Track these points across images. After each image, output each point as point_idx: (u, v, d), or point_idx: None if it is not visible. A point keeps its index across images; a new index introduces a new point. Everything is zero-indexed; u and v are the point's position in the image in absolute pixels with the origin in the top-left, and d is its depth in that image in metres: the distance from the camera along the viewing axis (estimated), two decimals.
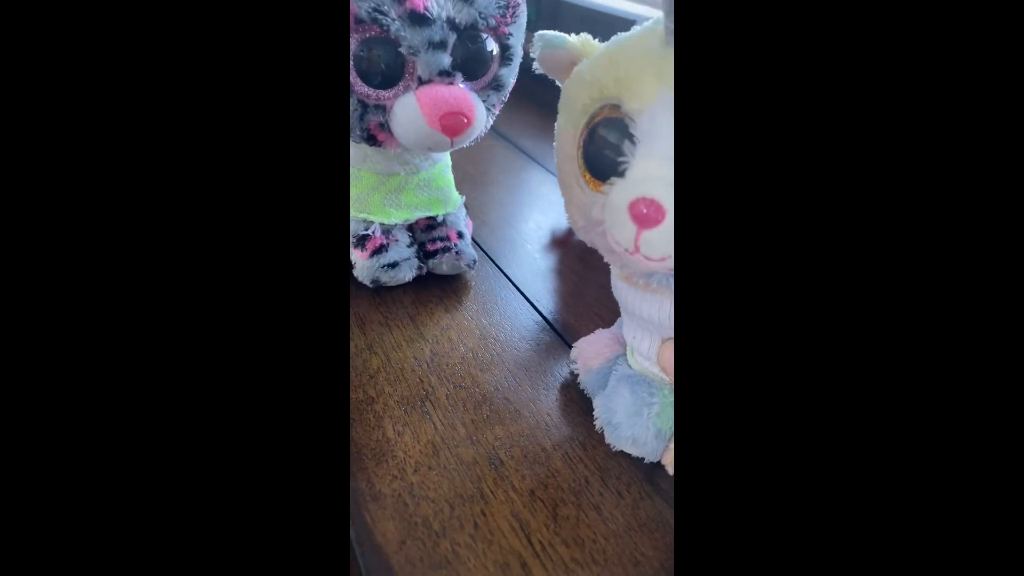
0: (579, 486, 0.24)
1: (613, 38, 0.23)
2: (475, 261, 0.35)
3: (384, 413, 0.26)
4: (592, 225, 0.22)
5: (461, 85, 0.27)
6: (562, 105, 0.24)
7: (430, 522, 0.22)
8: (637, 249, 0.19)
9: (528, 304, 0.35)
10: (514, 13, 0.27)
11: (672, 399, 0.25)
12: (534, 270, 0.39)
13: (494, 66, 0.28)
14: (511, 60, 0.29)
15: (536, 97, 0.70)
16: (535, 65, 0.25)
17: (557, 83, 0.25)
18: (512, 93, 0.31)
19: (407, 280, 0.33)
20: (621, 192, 0.19)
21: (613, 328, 0.30)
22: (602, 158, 0.21)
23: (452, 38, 0.26)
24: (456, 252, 0.34)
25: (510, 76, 0.29)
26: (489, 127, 0.31)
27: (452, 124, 0.27)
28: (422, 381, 0.28)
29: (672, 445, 0.24)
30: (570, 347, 0.32)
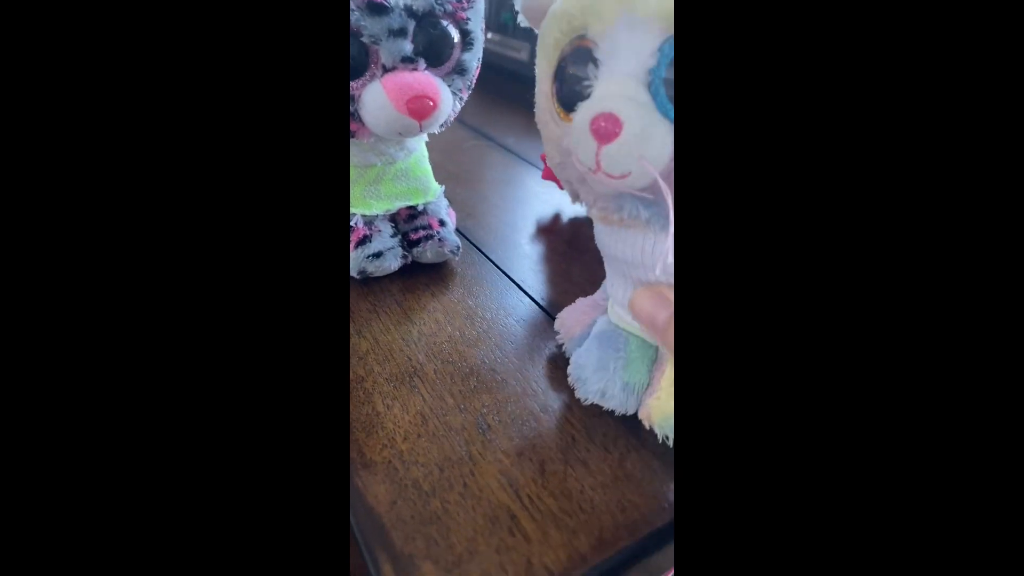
0: (566, 444, 0.25)
1: None
2: (459, 247, 0.36)
3: (374, 389, 0.27)
4: (565, 156, 0.23)
5: (424, 71, 0.29)
6: (539, 45, 0.25)
7: (420, 484, 0.23)
8: (599, 166, 0.20)
9: (514, 286, 0.36)
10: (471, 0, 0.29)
11: (641, 352, 0.26)
12: (520, 255, 0.39)
13: (456, 51, 0.29)
14: (472, 44, 0.30)
15: (519, 98, 0.72)
16: (519, 19, 0.26)
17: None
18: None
19: (393, 269, 0.34)
20: (584, 112, 0.20)
21: (595, 295, 0.31)
22: (571, 88, 0.22)
23: (411, 25, 0.27)
24: (439, 239, 0.35)
25: (472, 60, 0.30)
26: (457, 113, 0.32)
27: (419, 108, 0.28)
28: (410, 359, 0.29)
29: (648, 400, 0.25)
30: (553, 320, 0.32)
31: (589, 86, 0.21)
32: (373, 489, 0.22)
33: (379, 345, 0.30)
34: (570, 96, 0.22)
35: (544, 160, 0.47)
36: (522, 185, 0.51)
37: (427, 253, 0.35)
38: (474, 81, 0.32)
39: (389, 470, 0.23)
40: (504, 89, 0.75)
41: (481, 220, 0.44)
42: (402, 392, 0.27)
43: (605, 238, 0.26)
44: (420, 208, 0.36)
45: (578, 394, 0.26)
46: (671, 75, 0.19)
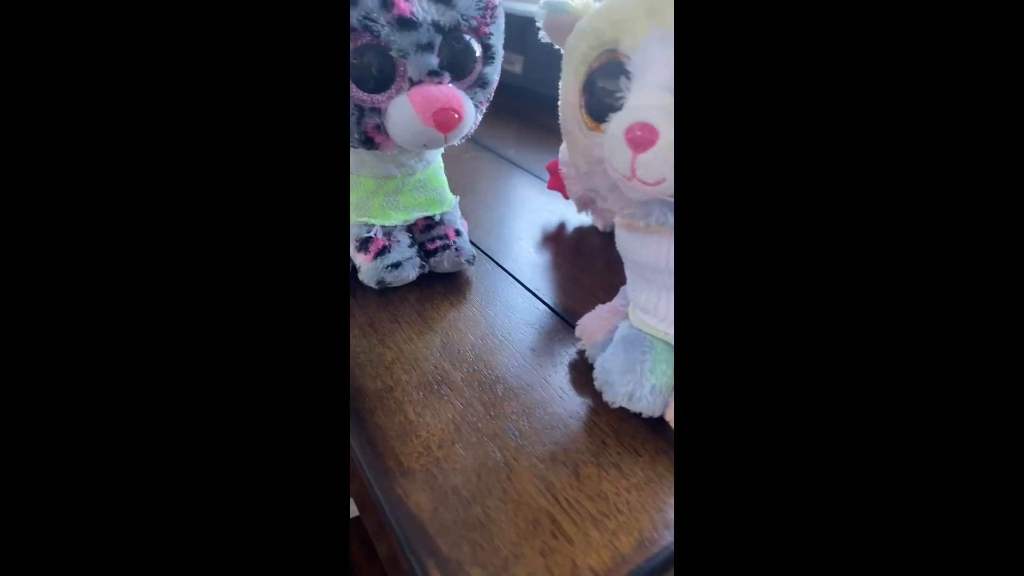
0: (597, 448, 0.25)
1: None
2: (474, 257, 0.37)
3: (404, 398, 0.27)
4: (594, 165, 0.24)
5: (449, 84, 0.29)
6: (565, 59, 0.25)
7: (460, 490, 0.23)
8: (634, 174, 0.21)
9: (529, 293, 0.36)
10: (493, 14, 0.29)
11: (666, 355, 0.27)
12: (531, 263, 0.40)
13: (478, 65, 0.30)
14: (493, 58, 0.31)
15: (516, 111, 0.73)
16: (540, 34, 0.27)
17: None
18: (495, 108, 0.33)
19: (411, 279, 0.35)
20: (618, 122, 0.21)
21: (613, 301, 0.32)
22: (601, 99, 0.23)
23: (438, 40, 0.28)
24: (456, 249, 0.36)
25: (494, 74, 0.31)
26: (477, 124, 0.33)
27: (444, 120, 0.29)
28: (436, 368, 0.29)
29: (672, 400, 0.26)
30: (573, 328, 0.33)
31: (621, 98, 0.22)
32: (414, 497, 0.23)
33: (404, 355, 0.30)
34: (600, 107, 0.23)
35: (549, 170, 0.47)
36: (526, 195, 0.52)
37: (444, 263, 0.36)
38: (492, 93, 0.33)
39: (428, 477, 0.23)
40: (498, 101, 0.76)
41: (490, 230, 0.44)
42: (432, 400, 0.27)
43: (629, 244, 0.27)
44: (437, 219, 0.36)
45: (606, 397, 0.27)
46: None
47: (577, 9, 0.26)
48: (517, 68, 0.75)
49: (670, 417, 0.26)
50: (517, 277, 0.38)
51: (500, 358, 0.30)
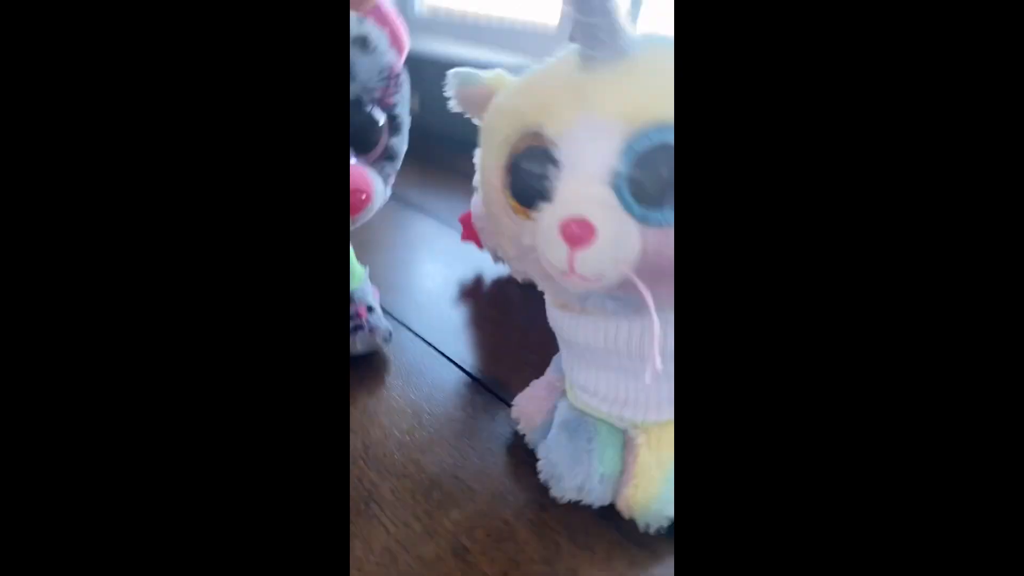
0: (550, 553, 0.23)
1: (527, 70, 0.23)
2: (390, 333, 0.34)
3: None
4: (524, 253, 0.22)
5: (353, 161, 0.26)
6: (484, 139, 0.23)
7: None
8: (572, 269, 0.19)
9: (453, 366, 0.34)
10: (397, 82, 0.27)
11: (611, 439, 0.25)
12: (450, 327, 0.37)
13: (384, 137, 0.28)
14: (400, 129, 0.29)
15: (417, 151, 0.70)
16: (450, 104, 0.25)
17: (472, 120, 0.25)
18: None
19: None
20: (550, 215, 0.19)
21: (547, 375, 0.30)
22: (528, 185, 0.21)
23: None
24: (369, 329, 0.32)
25: (401, 145, 0.29)
26: (387, 199, 0.30)
27: (351, 204, 0.26)
28: (361, 480, 0.26)
29: (625, 490, 0.24)
30: (504, 402, 0.31)
31: (549, 185, 0.20)
32: None
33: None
34: (527, 192, 0.21)
35: (463, 222, 0.45)
36: (433, 243, 0.49)
37: (357, 345, 0.32)
38: (399, 164, 0.30)
39: None
40: None
41: (403, 292, 0.41)
42: (360, 525, 0.24)
43: (563, 324, 0.25)
44: None
45: (554, 492, 0.25)
46: (635, 173, 0.19)
47: (490, 82, 0.24)
48: (414, 106, 0.72)
49: (623, 506, 0.24)
50: (437, 347, 0.35)
51: (432, 456, 0.27)
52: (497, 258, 0.44)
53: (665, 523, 0.24)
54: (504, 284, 0.44)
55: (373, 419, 0.29)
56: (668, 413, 0.25)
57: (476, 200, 0.43)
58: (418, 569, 0.22)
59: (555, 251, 0.19)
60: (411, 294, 0.41)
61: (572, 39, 0.19)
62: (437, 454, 0.27)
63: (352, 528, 0.24)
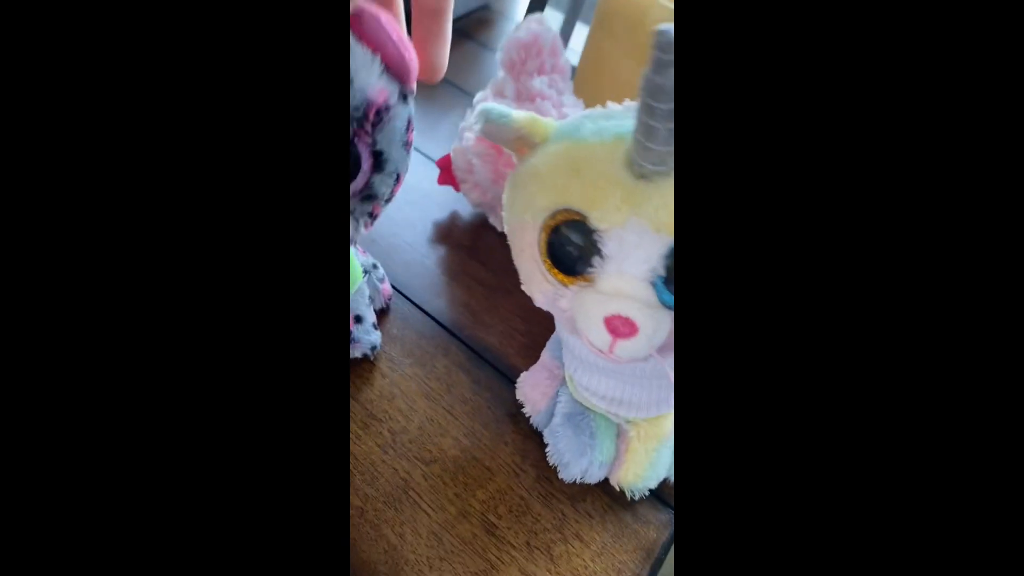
0: (559, 521, 0.30)
1: (569, 132, 0.23)
2: (374, 348, 0.34)
3: (379, 520, 0.28)
4: (558, 311, 0.25)
5: None
6: (516, 193, 0.24)
7: None
8: (611, 352, 0.23)
9: (446, 333, 0.37)
10: (380, 118, 0.23)
11: (607, 431, 0.31)
12: (437, 287, 0.39)
13: (363, 175, 0.24)
14: (383, 167, 0.25)
15: None
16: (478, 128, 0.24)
17: None
18: None
19: None
20: (595, 304, 0.22)
21: (546, 360, 0.34)
22: (569, 258, 0.23)
23: None
24: (351, 341, 0.33)
25: (383, 185, 0.25)
26: (361, 235, 0.27)
27: None
28: (396, 471, 0.30)
29: (618, 471, 0.30)
30: (505, 376, 0.35)
31: (593, 271, 0.22)
32: None
33: (358, 460, 0.30)
34: (568, 265, 0.23)
35: (440, 166, 0.44)
36: (418, 186, 0.48)
37: None
38: (392, 197, 0.27)
39: None
40: None
41: (387, 245, 0.42)
42: (405, 513, 0.28)
43: (575, 344, 0.29)
44: None
45: (562, 475, 0.30)
46: (670, 273, 0.21)
47: (522, 125, 0.24)
48: None
49: (615, 482, 0.31)
50: (432, 314, 0.38)
51: (450, 439, 0.32)
52: (479, 208, 0.45)
53: (646, 492, 0.30)
54: (481, 231, 0.45)
55: (391, 403, 0.33)
56: (655, 412, 0.30)
57: (458, 145, 0.42)
58: (460, 547, 0.28)
59: (597, 336, 0.22)
60: (395, 246, 0.42)
61: (634, 158, 0.20)
62: (454, 437, 0.32)
63: (400, 519, 0.28)
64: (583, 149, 0.22)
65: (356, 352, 0.33)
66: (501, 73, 0.42)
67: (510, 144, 0.25)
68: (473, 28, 0.70)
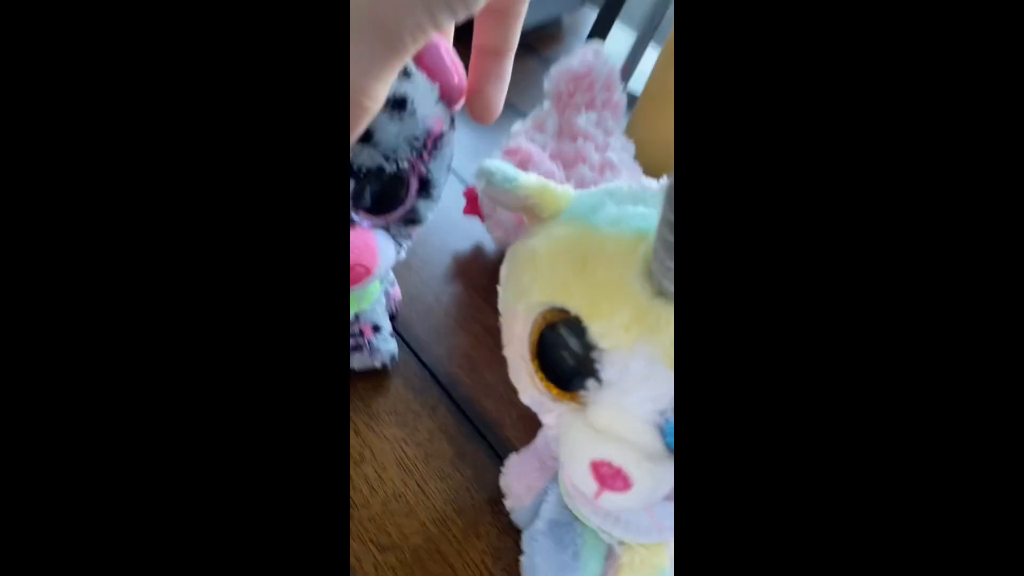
0: None
1: (584, 213, 0.18)
2: (394, 357, 0.32)
3: None
4: (542, 415, 0.20)
5: (365, 225, 0.23)
6: (511, 275, 0.20)
7: None
8: (596, 499, 0.18)
9: (444, 394, 0.33)
10: (435, 144, 0.22)
11: (595, 550, 0.26)
12: (440, 331, 0.35)
13: (408, 200, 0.23)
14: (430, 194, 0.24)
15: None
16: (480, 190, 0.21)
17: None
18: None
19: None
20: (582, 441, 0.17)
21: (543, 441, 0.29)
22: (561, 366, 0.18)
23: (350, 185, 0.21)
24: (370, 351, 0.31)
25: (427, 211, 0.25)
26: (399, 260, 0.26)
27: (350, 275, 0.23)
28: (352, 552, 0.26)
29: None
30: (494, 451, 0.31)
31: (586, 395, 0.17)
32: None
33: None
34: (559, 372, 0.18)
35: (467, 196, 0.40)
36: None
37: (353, 364, 0.31)
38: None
39: None
40: None
41: (397, 271, 0.38)
42: None
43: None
44: (352, 316, 0.30)
45: None
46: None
47: (530, 192, 0.19)
48: None
49: None
50: (432, 368, 0.34)
51: (415, 523, 0.28)
52: (501, 244, 0.41)
53: None
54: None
55: (357, 467, 0.29)
56: (656, 538, 0.25)
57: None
58: None
59: (581, 479, 0.17)
60: (401, 274, 0.38)
61: (655, 278, 0.15)
62: (419, 519, 0.28)
63: None
64: (595, 241, 0.17)
65: (375, 362, 0.31)
66: (547, 104, 0.38)
67: (515, 211, 0.21)
68: (538, 42, 0.66)
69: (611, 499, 0.17)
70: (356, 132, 0.17)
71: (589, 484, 0.17)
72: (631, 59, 0.58)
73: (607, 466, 0.17)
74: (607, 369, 0.17)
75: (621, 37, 0.65)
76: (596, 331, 0.17)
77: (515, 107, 0.54)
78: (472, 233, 0.43)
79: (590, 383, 0.17)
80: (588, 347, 0.17)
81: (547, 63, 0.63)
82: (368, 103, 0.15)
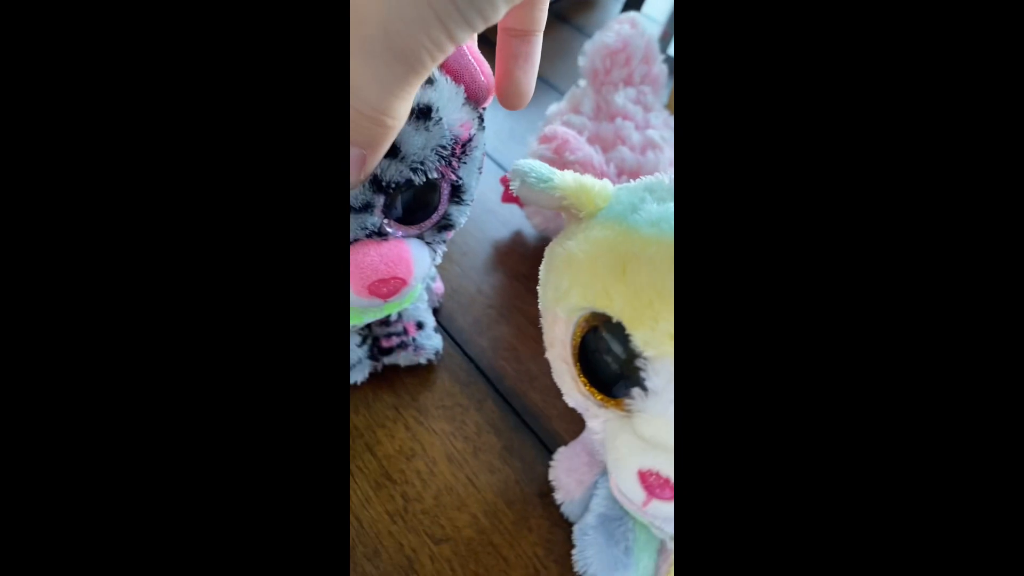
0: None
1: (622, 213, 0.18)
2: (438, 353, 0.32)
3: None
4: (587, 419, 0.20)
5: (399, 235, 0.23)
6: (549, 277, 0.19)
7: None
8: (644, 508, 0.18)
9: (490, 387, 0.33)
10: (464, 149, 0.22)
11: (647, 544, 0.25)
12: (483, 323, 0.35)
13: (441, 207, 0.23)
14: (462, 199, 0.23)
15: None
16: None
17: None
18: None
19: (357, 383, 0.31)
20: (630, 450, 0.17)
21: (586, 437, 0.29)
22: (605, 371, 0.18)
23: (379, 200, 0.21)
24: (414, 348, 0.31)
25: (461, 216, 0.24)
26: (436, 264, 0.26)
27: (384, 291, 0.23)
28: (402, 546, 0.27)
29: None
30: (542, 444, 0.31)
31: (632, 403, 0.17)
32: None
33: (364, 528, 0.27)
34: (602, 376, 0.18)
35: (504, 183, 0.40)
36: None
37: (400, 360, 0.32)
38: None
39: None
40: None
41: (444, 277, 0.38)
42: None
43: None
44: (394, 316, 0.31)
45: None
46: None
47: (567, 191, 0.19)
48: None
49: None
50: (482, 367, 0.34)
51: (467, 514, 0.28)
52: (541, 231, 0.40)
53: None
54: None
55: (409, 464, 0.29)
56: None
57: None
58: None
59: (629, 487, 0.17)
60: (442, 266, 0.38)
61: None
62: (472, 512, 0.28)
63: None
64: (634, 242, 0.17)
65: (420, 358, 0.32)
66: (582, 83, 0.37)
67: (552, 210, 0.20)
68: (570, 10, 0.63)
69: (660, 508, 0.17)
70: (380, 150, 0.17)
71: (637, 493, 0.17)
72: (672, 21, 0.55)
73: (655, 476, 0.16)
74: (652, 378, 0.16)
75: (660, 2, 0.61)
76: (640, 339, 0.16)
77: (548, 81, 0.52)
78: (511, 221, 0.42)
79: (635, 391, 0.17)
80: (632, 354, 0.16)
81: (580, 32, 0.61)
82: (390, 122, 0.15)
